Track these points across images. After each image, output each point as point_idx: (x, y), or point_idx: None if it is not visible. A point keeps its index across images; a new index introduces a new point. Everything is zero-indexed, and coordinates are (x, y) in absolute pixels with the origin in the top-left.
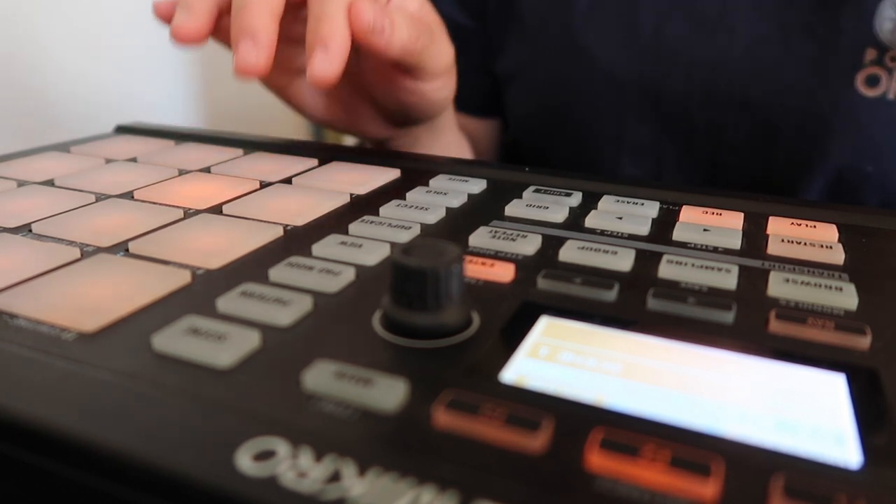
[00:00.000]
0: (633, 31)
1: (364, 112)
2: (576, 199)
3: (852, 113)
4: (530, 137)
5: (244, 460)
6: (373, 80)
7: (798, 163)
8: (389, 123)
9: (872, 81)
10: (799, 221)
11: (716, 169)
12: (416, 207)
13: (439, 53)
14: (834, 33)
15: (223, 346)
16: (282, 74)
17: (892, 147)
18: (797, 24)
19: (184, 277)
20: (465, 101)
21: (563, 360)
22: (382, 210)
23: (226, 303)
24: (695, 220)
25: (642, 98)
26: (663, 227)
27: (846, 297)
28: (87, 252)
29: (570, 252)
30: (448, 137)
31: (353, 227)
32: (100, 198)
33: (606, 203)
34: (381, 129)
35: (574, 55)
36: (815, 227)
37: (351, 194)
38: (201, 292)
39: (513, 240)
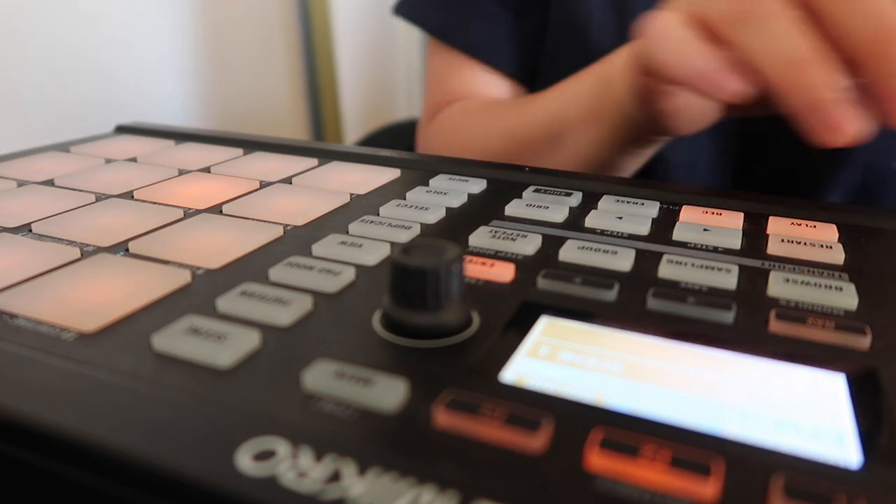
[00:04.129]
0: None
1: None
2: (576, 198)
3: None
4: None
5: (244, 460)
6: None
7: (826, 156)
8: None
9: None
10: (799, 221)
11: (748, 158)
12: (416, 207)
13: None
14: None
15: (223, 346)
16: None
17: None
18: None
19: (184, 277)
20: (517, 70)
21: (563, 359)
22: (382, 210)
23: (226, 303)
24: (695, 220)
25: None
26: (663, 226)
27: (846, 297)
28: (87, 252)
29: (570, 252)
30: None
31: (353, 227)
32: (100, 198)
33: (606, 203)
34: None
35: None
36: (815, 227)
37: (351, 194)
38: (201, 292)
39: (513, 240)
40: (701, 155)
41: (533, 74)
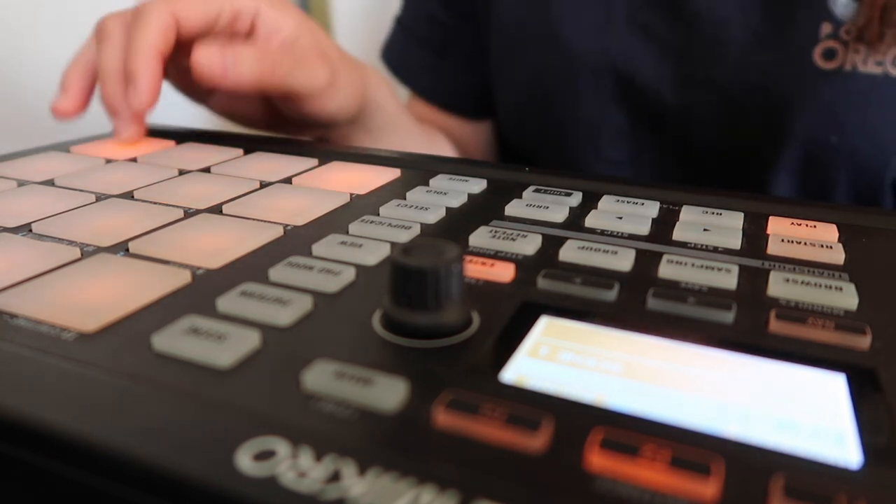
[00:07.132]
0: (607, 18)
1: (280, 118)
2: (576, 198)
3: (812, 86)
4: (516, 131)
5: (244, 460)
6: (270, 96)
7: (766, 137)
8: (307, 126)
9: (829, 55)
10: (799, 221)
11: (690, 148)
12: (416, 207)
13: (309, 76)
14: (790, 10)
15: (223, 346)
16: (199, 96)
17: (853, 117)
18: (755, 2)
19: (184, 277)
20: (452, 102)
21: (563, 359)
22: (382, 210)
23: (226, 303)
24: (695, 220)
25: (617, 83)
26: (663, 226)
27: (846, 297)
28: (87, 252)
29: (570, 252)
30: (392, 138)
31: (353, 227)
32: (100, 198)
33: (606, 203)
34: (302, 132)
35: (552, 46)
36: (815, 227)
37: (351, 194)
38: (201, 292)
39: (513, 240)
40: (643, 150)
41: (467, 97)
